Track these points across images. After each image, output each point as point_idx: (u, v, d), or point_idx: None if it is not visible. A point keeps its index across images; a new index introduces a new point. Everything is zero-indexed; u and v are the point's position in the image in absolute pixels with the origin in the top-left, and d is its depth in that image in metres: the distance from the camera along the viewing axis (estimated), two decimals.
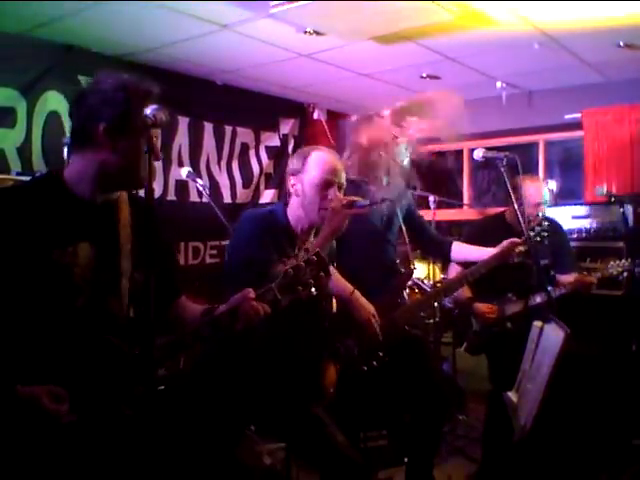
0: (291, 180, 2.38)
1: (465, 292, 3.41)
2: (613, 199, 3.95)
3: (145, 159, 1.58)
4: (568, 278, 3.47)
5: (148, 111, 1.55)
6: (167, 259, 1.96)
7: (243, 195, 5.61)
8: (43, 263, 1.61)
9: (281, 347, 2.32)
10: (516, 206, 2.73)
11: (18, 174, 3.70)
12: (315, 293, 1.87)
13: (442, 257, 3.57)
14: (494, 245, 3.05)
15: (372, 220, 2.85)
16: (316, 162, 2.33)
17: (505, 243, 2.95)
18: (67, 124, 4.26)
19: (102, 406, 1.61)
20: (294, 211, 2.39)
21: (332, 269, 2.59)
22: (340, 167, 2.38)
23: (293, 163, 2.40)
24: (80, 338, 1.64)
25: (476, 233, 3.62)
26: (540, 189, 3.48)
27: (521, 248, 2.91)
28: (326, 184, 2.30)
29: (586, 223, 4.47)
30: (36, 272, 1.61)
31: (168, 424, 1.83)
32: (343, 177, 2.38)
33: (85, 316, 1.67)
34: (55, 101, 4.23)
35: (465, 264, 3.26)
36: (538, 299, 3.27)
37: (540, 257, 2.93)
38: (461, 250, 3.16)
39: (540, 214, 3.40)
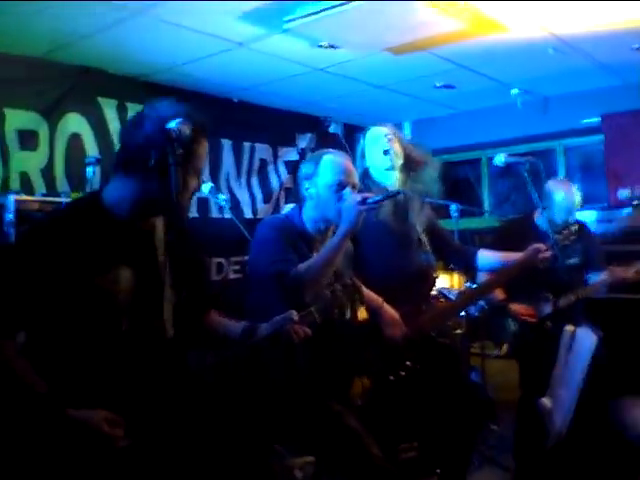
0: (305, 184, 2.43)
1: (498, 293, 3.35)
2: (636, 202, 3.91)
3: (188, 189, 1.60)
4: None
5: (173, 124, 1.56)
6: (199, 274, 1.97)
7: (264, 210, 5.62)
8: (86, 289, 1.62)
9: (310, 361, 2.32)
10: (541, 211, 2.70)
11: (43, 195, 3.75)
12: (348, 317, 1.93)
13: (468, 266, 3.52)
14: (522, 247, 3.02)
15: (390, 227, 2.82)
16: (329, 165, 2.39)
17: (530, 249, 2.90)
18: (88, 145, 4.34)
19: (153, 428, 1.62)
20: (309, 214, 2.44)
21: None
22: (352, 168, 2.44)
23: (305, 167, 2.45)
24: (125, 362, 1.65)
25: (504, 236, 3.59)
26: (572, 194, 3.45)
27: (546, 254, 2.86)
28: (341, 185, 2.36)
29: (609, 227, 4.42)
30: (80, 298, 1.62)
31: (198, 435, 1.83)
32: (356, 177, 2.44)
33: (129, 340, 1.68)
34: (76, 123, 4.29)
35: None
36: (572, 297, 3.21)
37: (570, 257, 2.90)
38: (488, 257, 3.10)
39: (571, 219, 3.37)
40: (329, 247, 2.30)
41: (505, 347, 3.40)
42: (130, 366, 1.65)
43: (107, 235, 1.69)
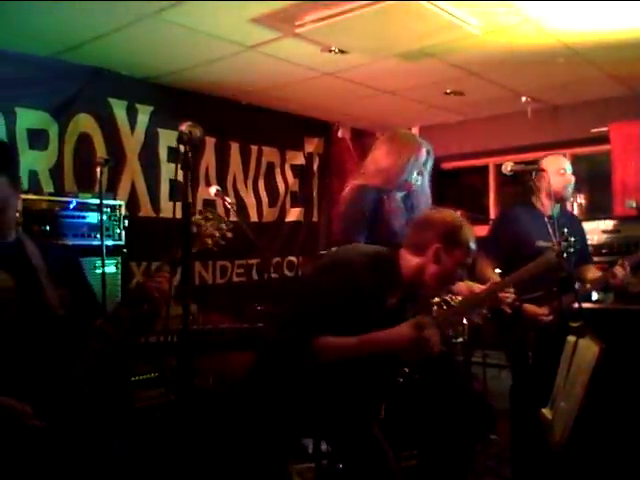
0: (440, 245, 2.29)
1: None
2: None
3: None
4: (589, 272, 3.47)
5: (183, 127, 1.57)
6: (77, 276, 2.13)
7: (269, 214, 5.66)
8: None
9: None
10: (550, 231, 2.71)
11: (51, 194, 3.77)
12: None
13: None
14: (526, 232, 3.08)
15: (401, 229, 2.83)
16: (468, 244, 2.33)
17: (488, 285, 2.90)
18: (98, 145, 4.36)
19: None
20: (415, 264, 2.32)
21: None
22: None
23: (446, 230, 2.31)
24: (14, 347, 1.77)
25: (508, 221, 3.52)
26: (561, 159, 3.43)
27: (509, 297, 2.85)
28: (466, 266, 2.35)
29: (616, 237, 4.40)
30: None
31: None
32: None
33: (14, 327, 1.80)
34: (86, 123, 4.32)
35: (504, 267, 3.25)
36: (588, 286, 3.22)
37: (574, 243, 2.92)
38: None
39: (569, 190, 3.37)
40: (370, 343, 2.21)
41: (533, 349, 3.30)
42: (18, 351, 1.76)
43: None
